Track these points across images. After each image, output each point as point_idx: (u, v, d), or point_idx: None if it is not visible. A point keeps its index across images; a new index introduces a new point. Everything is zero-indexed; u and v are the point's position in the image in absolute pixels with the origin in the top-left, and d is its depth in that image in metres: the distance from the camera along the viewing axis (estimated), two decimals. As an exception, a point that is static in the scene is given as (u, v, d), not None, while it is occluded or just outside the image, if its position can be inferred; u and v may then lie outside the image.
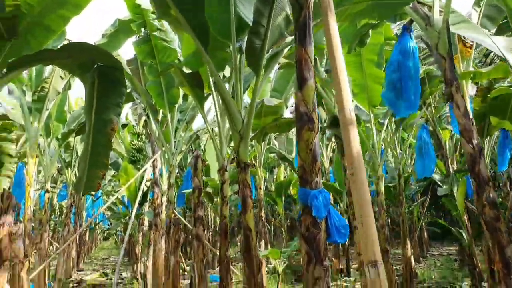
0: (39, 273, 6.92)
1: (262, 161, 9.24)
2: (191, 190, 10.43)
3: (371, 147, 5.88)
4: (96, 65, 3.00)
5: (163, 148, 6.99)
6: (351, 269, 9.17)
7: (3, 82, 2.88)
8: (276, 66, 5.60)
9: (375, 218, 4.93)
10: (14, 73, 2.90)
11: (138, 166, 9.05)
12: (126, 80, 3.72)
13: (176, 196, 7.37)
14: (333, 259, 8.98)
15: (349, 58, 4.92)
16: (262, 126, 7.22)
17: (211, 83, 4.37)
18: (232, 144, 5.10)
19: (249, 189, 2.66)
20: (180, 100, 6.78)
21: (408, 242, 6.87)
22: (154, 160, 8.01)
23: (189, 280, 6.79)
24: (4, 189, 4.16)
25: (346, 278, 8.56)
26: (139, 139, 8.30)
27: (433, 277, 7.84)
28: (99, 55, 2.98)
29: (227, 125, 4.85)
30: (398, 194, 7.58)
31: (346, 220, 2.69)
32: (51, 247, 13.40)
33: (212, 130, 4.90)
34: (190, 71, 4.35)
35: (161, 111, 6.90)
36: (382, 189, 6.04)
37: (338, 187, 8.96)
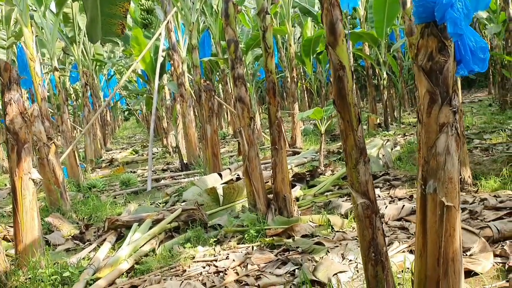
0: (68, 156, 6.60)
1: (290, 14, 8.00)
2: (208, 58, 9.64)
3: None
4: None
5: (178, 4, 5.86)
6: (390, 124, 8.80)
7: None
8: None
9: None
10: None
11: (150, 32, 7.97)
12: None
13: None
14: (371, 114, 8.46)
15: None
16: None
17: None
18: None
19: (338, 9, 1.77)
20: None
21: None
22: (168, 22, 6.93)
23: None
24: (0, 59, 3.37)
25: (385, 132, 8.15)
26: (147, -3, 7.06)
27: (474, 123, 7.33)
28: None
29: None
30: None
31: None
32: (75, 131, 13.29)
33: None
34: None
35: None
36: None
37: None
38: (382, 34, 7.95)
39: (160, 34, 7.13)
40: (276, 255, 2.77)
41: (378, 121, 8.94)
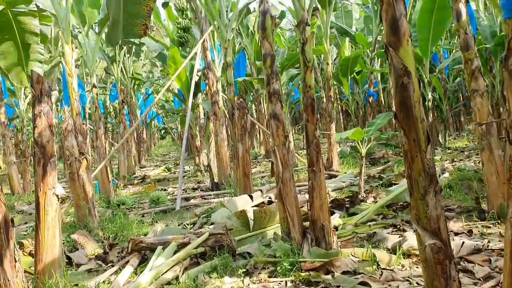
0: (101, 171, 6.53)
1: (328, 33, 7.74)
2: (243, 78, 9.51)
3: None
4: None
5: (215, 22, 5.76)
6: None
7: None
8: None
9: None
10: None
11: (186, 51, 7.94)
12: None
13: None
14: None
15: None
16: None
17: None
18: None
19: (403, 3, 1.48)
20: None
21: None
22: (204, 41, 6.86)
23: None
24: (32, 71, 3.30)
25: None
26: (184, 16, 7.03)
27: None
28: None
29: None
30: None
31: None
32: (112, 147, 13.48)
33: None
34: None
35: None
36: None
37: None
38: (427, 53, 7.52)
39: (195, 53, 7.06)
40: (313, 294, 2.41)
41: (421, 145, 8.36)
